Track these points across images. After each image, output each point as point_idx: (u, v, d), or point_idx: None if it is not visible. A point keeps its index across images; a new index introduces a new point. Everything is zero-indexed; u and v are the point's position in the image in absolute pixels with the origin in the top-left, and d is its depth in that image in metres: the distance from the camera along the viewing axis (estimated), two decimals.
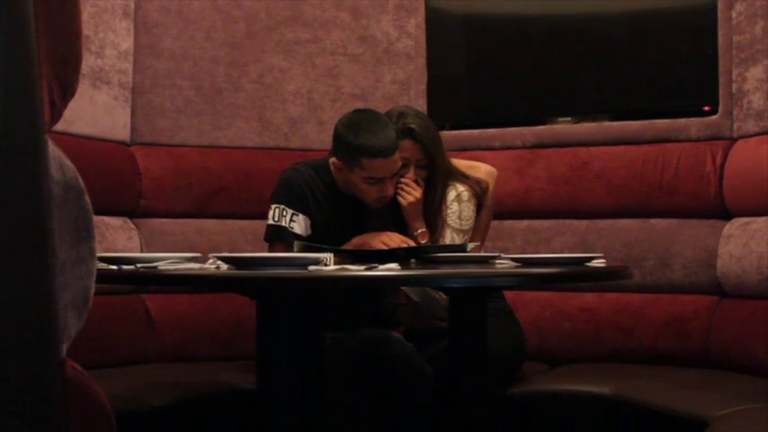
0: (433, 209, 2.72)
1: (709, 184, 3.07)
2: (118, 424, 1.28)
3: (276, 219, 2.64)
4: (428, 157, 2.71)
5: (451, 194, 2.75)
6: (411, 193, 2.67)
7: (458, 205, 2.73)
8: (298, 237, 2.59)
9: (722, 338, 2.90)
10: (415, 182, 2.70)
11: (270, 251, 2.65)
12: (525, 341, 2.91)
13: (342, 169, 2.62)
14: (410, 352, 2.65)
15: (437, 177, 2.73)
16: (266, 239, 2.67)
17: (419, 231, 2.68)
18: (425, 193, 2.72)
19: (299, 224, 2.63)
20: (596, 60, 3.41)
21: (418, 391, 2.60)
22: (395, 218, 2.73)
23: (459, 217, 2.73)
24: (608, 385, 2.64)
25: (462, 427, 2.41)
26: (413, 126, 2.70)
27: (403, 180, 2.68)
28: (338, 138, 2.62)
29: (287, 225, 2.62)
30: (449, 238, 2.73)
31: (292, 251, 2.47)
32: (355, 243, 2.60)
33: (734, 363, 2.81)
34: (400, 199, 2.68)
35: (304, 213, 2.65)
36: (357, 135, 2.56)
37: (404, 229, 2.70)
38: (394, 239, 2.56)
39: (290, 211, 2.63)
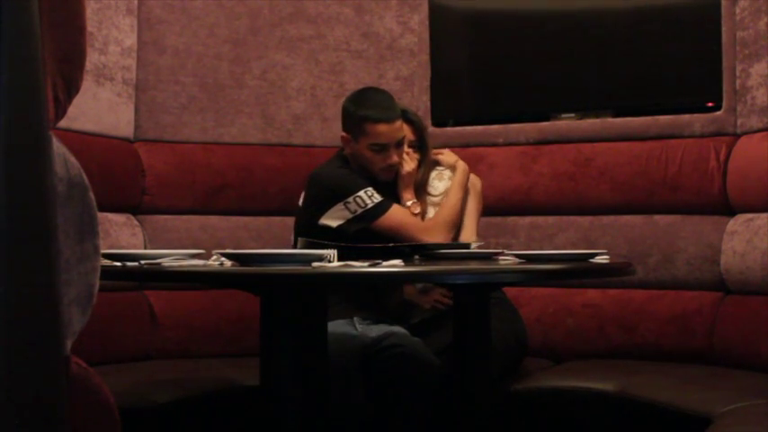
0: (417, 188, 2.89)
1: (712, 180, 3.07)
2: (122, 420, 1.28)
3: (366, 204, 2.72)
4: (419, 138, 2.91)
5: (432, 174, 2.93)
6: (408, 164, 2.84)
7: (438, 182, 2.91)
8: (388, 200, 2.74)
9: (726, 335, 2.90)
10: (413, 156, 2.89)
11: (389, 222, 2.71)
12: (527, 331, 2.92)
13: (349, 142, 2.79)
14: (417, 345, 2.66)
15: (425, 161, 2.91)
16: (375, 220, 2.72)
17: (412, 201, 2.83)
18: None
19: (377, 192, 2.74)
20: (600, 56, 3.40)
21: (426, 384, 2.60)
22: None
23: (440, 193, 2.89)
24: (611, 382, 2.64)
25: (468, 422, 2.42)
26: (405, 109, 2.92)
27: (406, 152, 2.85)
28: (345, 112, 2.82)
29: (379, 198, 2.73)
30: (431, 213, 2.87)
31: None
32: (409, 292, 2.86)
33: (737, 359, 2.81)
34: (399, 168, 2.83)
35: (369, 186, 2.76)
36: (361, 105, 2.77)
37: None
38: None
39: (369, 189, 2.73)
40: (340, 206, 2.72)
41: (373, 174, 2.80)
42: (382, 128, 2.73)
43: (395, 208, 2.75)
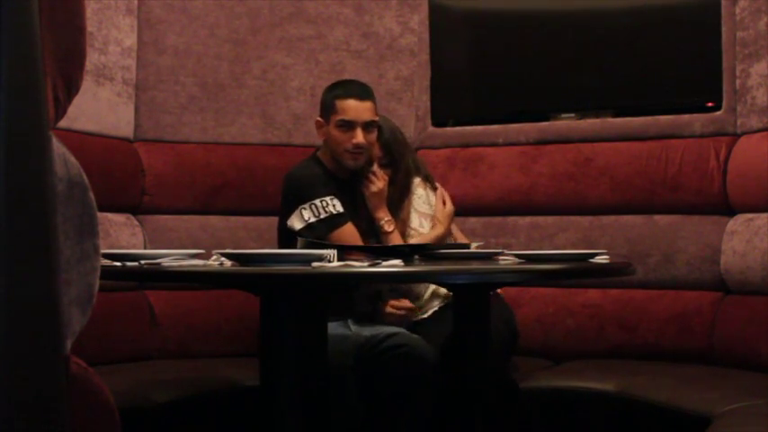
0: (393, 202, 2.89)
1: (712, 180, 3.07)
2: (122, 420, 1.28)
3: (320, 213, 2.74)
4: (389, 156, 2.89)
5: (416, 181, 2.93)
6: (375, 183, 2.85)
7: (423, 191, 2.92)
8: (344, 216, 2.74)
9: (726, 335, 2.90)
10: (382, 173, 2.88)
11: (336, 240, 2.68)
12: (514, 314, 2.91)
13: (322, 126, 2.85)
14: (421, 344, 2.66)
15: (398, 176, 2.90)
16: (324, 234, 2.71)
17: (385, 220, 2.83)
18: (388, 188, 2.89)
19: (339, 204, 2.76)
20: (600, 56, 3.40)
21: (430, 382, 2.60)
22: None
23: (426, 202, 2.91)
24: (611, 382, 2.64)
25: (468, 421, 2.42)
26: (381, 126, 2.90)
27: (371, 170, 2.86)
28: (321, 99, 2.91)
29: (336, 211, 2.74)
30: (417, 222, 2.88)
31: (358, 236, 2.71)
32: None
33: (737, 359, 2.81)
34: (364, 189, 2.85)
35: (334, 195, 2.77)
36: (334, 88, 2.88)
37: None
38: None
39: (327, 198, 2.75)
40: (299, 210, 2.76)
41: (342, 159, 2.82)
42: (351, 103, 2.79)
43: (344, 228, 2.74)
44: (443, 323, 2.74)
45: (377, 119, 2.83)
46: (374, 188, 2.84)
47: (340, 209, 2.74)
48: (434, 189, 2.95)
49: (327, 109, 2.84)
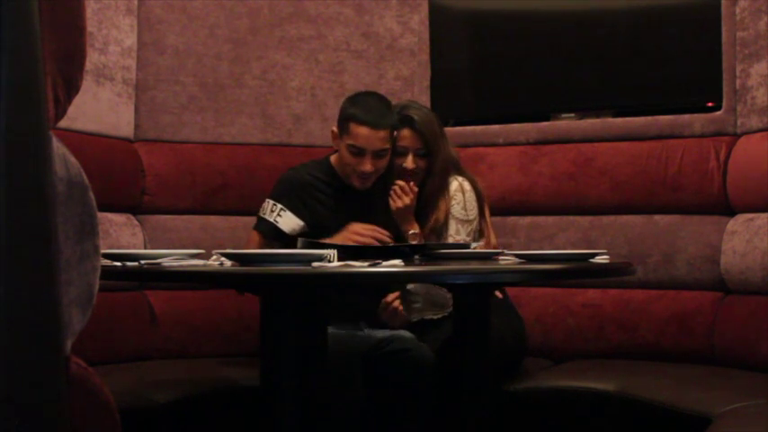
0: (432, 199, 2.80)
1: (712, 180, 3.07)
2: (122, 420, 1.28)
3: (263, 212, 2.80)
4: (426, 146, 2.81)
5: (454, 185, 2.83)
6: (402, 198, 2.76)
7: (461, 195, 2.82)
8: (278, 231, 2.74)
9: (726, 335, 2.90)
10: (410, 186, 2.76)
11: (249, 239, 2.82)
12: (526, 331, 2.92)
13: (336, 138, 2.79)
14: (425, 350, 2.66)
15: (435, 167, 2.81)
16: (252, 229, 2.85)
17: (410, 233, 2.74)
18: (424, 184, 2.81)
19: (285, 220, 2.75)
20: (600, 56, 3.40)
21: (423, 383, 2.60)
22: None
23: (464, 208, 2.82)
24: (611, 382, 2.64)
25: (466, 421, 2.42)
26: (412, 115, 2.81)
27: (398, 183, 2.77)
28: (340, 107, 2.81)
29: (271, 219, 2.76)
30: (453, 229, 2.80)
31: (268, 241, 2.72)
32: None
33: (737, 359, 2.81)
34: (391, 202, 2.77)
35: (293, 211, 2.76)
36: (354, 104, 2.75)
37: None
38: (360, 231, 2.69)
39: (278, 206, 2.77)
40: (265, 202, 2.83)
41: (349, 179, 2.76)
42: (364, 131, 2.67)
43: (253, 234, 2.81)
44: (442, 325, 2.75)
45: (389, 147, 2.72)
46: (400, 203, 2.74)
47: (280, 224, 2.75)
48: (475, 189, 2.85)
49: (342, 125, 2.75)
